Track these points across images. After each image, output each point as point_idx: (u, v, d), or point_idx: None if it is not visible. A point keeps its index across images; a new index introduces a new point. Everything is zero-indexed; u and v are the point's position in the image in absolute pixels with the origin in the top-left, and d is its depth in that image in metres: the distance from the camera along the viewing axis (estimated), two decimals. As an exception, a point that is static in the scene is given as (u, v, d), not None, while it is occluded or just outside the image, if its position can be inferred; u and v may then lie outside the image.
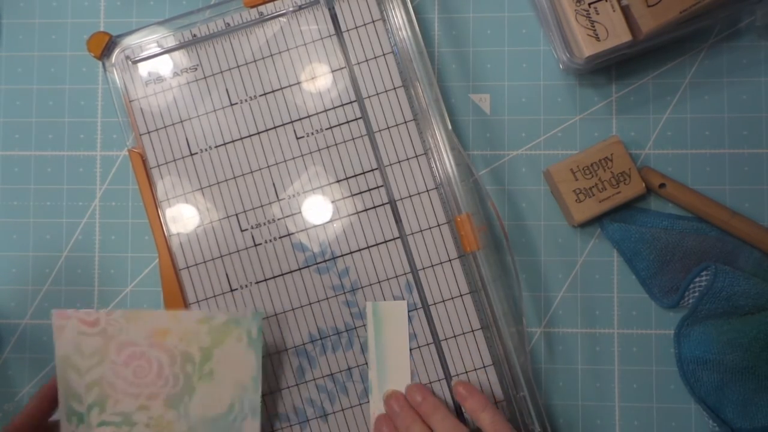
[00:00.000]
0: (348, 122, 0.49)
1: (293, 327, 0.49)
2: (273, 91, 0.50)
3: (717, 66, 0.52)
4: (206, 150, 0.50)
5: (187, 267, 0.49)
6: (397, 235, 0.49)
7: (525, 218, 0.52)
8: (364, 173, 0.49)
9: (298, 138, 0.50)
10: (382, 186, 0.49)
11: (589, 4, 0.47)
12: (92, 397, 0.44)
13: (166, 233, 0.49)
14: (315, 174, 0.50)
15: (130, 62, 0.50)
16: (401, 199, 0.49)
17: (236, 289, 0.49)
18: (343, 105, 0.49)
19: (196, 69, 0.50)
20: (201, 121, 0.50)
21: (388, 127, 0.49)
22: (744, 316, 0.48)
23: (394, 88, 0.49)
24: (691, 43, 0.52)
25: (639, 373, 0.51)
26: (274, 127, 0.50)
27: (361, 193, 0.49)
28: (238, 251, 0.49)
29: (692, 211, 0.51)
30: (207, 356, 0.45)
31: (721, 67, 0.52)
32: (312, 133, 0.50)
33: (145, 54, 0.50)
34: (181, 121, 0.50)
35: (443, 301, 0.49)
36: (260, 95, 0.50)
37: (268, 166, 0.50)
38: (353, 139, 0.49)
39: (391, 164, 0.49)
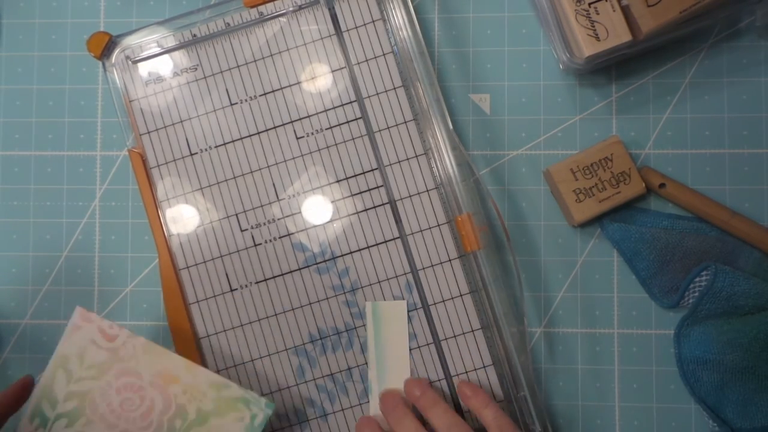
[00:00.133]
0: (348, 122, 0.49)
1: (293, 327, 0.49)
2: (273, 91, 0.50)
3: (717, 66, 0.52)
4: (206, 150, 0.50)
5: (187, 267, 0.49)
6: (397, 235, 0.49)
7: (525, 218, 0.52)
8: (364, 173, 0.49)
9: (298, 138, 0.50)
10: (382, 186, 0.49)
11: (589, 4, 0.47)
12: (67, 407, 0.42)
13: (166, 233, 0.49)
14: (315, 174, 0.49)
15: (130, 62, 0.50)
16: (401, 199, 0.49)
17: (236, 289, 0.49)
18: (343, 105, 0.49)
19: (196, 69, 0.50)
20: (201, 121, 0.50)
21: (388, 127, 0.49)
22: (744, 316, 0.48)
23: (394, 88, 0.49)
24: (691, 43, 0.52)
25: (639, 373, 0.51)
26: (274, 127, 0.50)
27: (361, 193, 0.49)
28: (238, 251, 0.49)
29: (692, 211, 0.51)
30: (202, 420, 0.43)
31: (721, 67, 0.52)
32: (312, 133, 0.50)
33: (145, 54, 0.50)
34: (181, 121, 0.50)
35: (443, 301, 0.49)
36: (260, 95, 0.50)
37: (268, 166, 0.50)
38: (353, 139, 0.49)
39: (391, 164, 0.49)
